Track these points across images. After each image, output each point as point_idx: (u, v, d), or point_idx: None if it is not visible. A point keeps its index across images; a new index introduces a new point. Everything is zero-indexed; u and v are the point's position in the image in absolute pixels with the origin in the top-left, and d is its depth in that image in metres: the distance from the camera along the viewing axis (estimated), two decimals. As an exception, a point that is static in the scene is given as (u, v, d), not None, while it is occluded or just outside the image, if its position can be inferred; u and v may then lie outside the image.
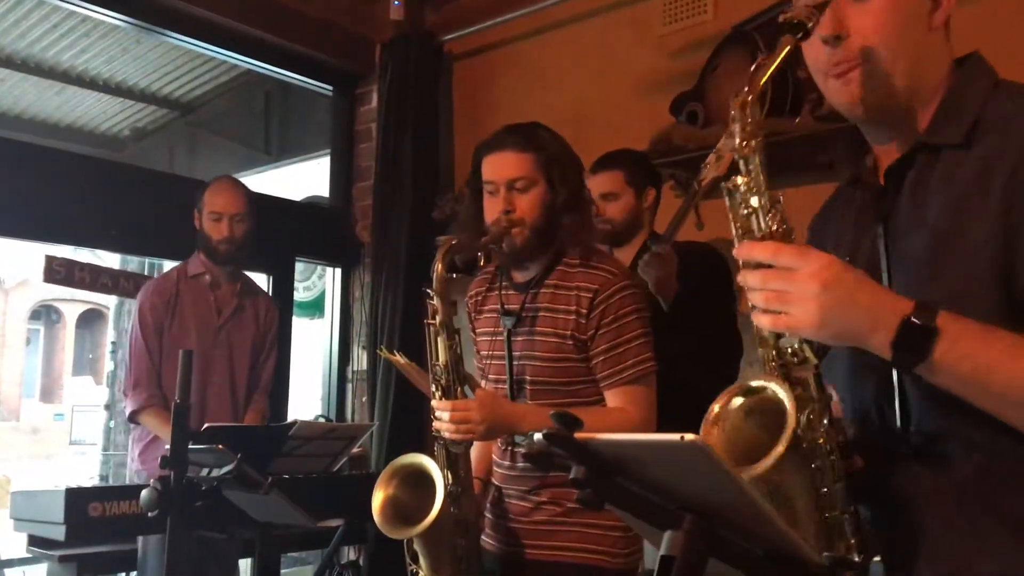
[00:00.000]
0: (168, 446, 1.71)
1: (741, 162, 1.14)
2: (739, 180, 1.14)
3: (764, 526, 0.92)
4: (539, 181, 2.04)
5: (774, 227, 1.11)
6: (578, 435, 0.94)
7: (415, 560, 1.98)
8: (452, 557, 1.95)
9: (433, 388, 1.98)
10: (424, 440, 3.91)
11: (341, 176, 4.75)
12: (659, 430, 1.79)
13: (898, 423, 1.15)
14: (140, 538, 2.87)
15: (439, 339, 1.97)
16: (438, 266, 1.97)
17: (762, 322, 1.07)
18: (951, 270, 1.10)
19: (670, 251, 2.37)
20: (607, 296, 1.98)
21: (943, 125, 1.17)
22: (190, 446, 1.74)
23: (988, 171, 1.09)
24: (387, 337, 4.09)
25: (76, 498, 2.61)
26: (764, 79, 1.13)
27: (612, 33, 3.88)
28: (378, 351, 3.82)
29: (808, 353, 1.11)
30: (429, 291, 1.98)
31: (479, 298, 2.23)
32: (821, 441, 1.13)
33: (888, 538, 1.18)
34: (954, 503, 1.11)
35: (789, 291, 1.03)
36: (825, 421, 1.13)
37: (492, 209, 2.05)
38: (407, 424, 3.97)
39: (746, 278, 1.07)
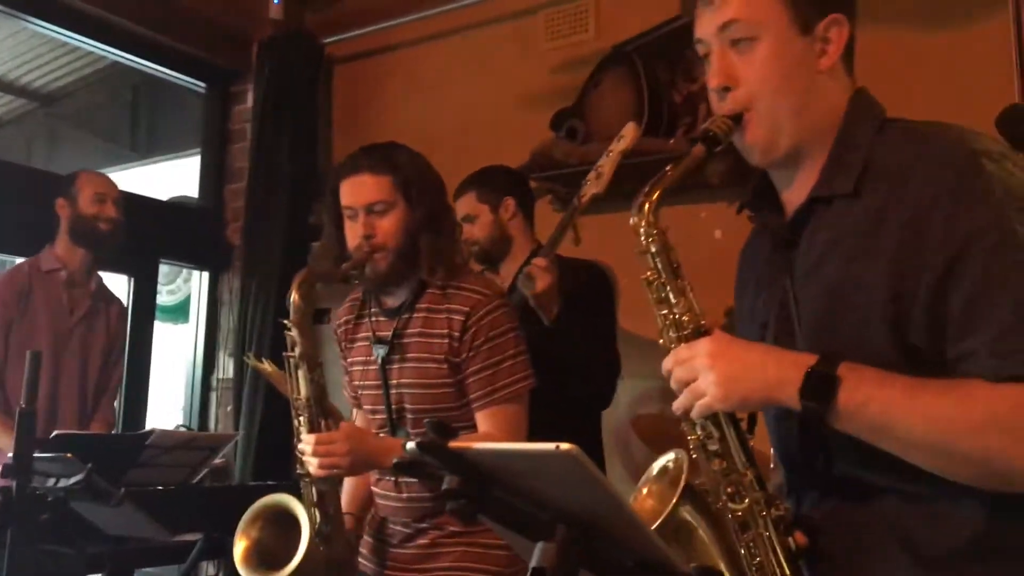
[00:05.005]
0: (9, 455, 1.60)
1: (648, 257, 1.22)
2: (649, 275, 1.23)
3: (635, 536, 0.92)
4: (398, 203, 1.98)
5: (686, 318, 1.20)
6: (452, 444, 0.93)
7: None
8: None
9: (296, 424, 1.91)
10: (292, 452, 3.81)
11: (212, 176, 4.58)
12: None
13: (820, 466, 1.19)
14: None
15: (299, 372, 1.89)
16: (295, 296, 1.89)
17: (693, 415, 1.15)
18: (845, 320, 1.14)
19: (550, 264, 2.37)
20: (479, 317, 1.94)
21: (833, 175, 1.19)
22: (37, 454, 1.63)
23: (880, 220, 1.12)
24: (256, 344, 3.97)
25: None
26: (670, 184, 1.21)
27: (496, 46, 3.89)
28: (244, 358, 3.71)
29: (712, 427, 1.18)
30: (286, 322, 1.90)
31: (348, 326, 2.14)
32: (748, 511, 1.16)
33: (821, 568, 1.19)
34: (876, 537, 1.13)
35: (694, 377, 1.14)
36: (756, 494, 1.16)
37: (353, 234, 1.99)
38: (274, 435, 3.84)
39: (674, 387, 1.17)
